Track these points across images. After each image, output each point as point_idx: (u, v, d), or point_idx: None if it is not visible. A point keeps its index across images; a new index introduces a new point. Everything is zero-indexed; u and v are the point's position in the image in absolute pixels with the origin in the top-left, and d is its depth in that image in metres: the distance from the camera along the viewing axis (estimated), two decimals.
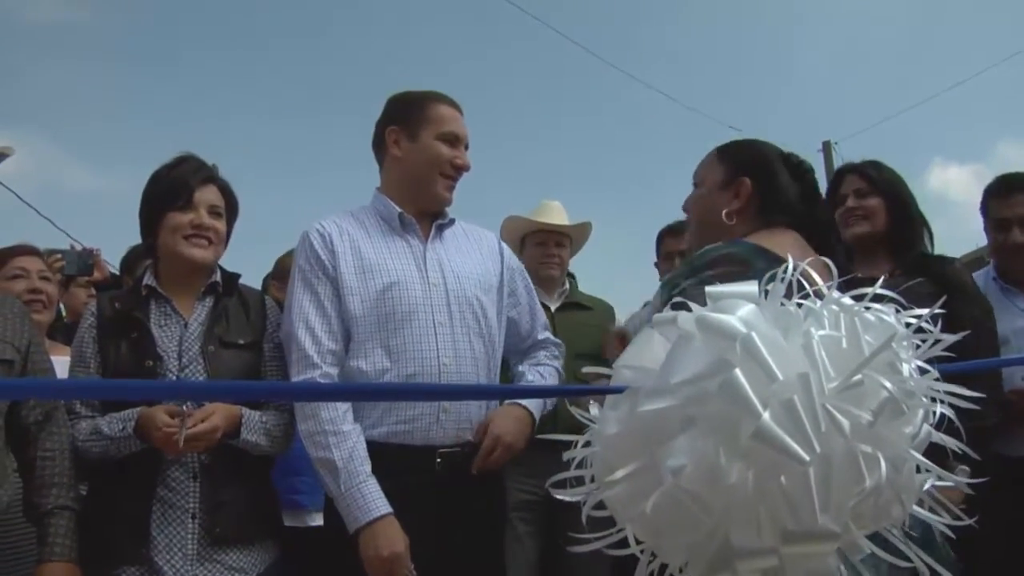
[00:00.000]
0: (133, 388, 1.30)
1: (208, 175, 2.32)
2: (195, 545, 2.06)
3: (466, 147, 2.25)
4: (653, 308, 1.64)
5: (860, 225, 2.52)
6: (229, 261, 2.46)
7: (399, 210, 2.22)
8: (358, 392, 1.74)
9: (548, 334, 2.42)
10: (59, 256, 3.02)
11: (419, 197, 2.22)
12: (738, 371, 0.99)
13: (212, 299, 2.30)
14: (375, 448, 2.04)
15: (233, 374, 2.20)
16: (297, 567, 2.49)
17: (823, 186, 2.46)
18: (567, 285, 3.69)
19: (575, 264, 3.87)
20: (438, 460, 2.05)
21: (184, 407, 2.06)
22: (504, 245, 2.44)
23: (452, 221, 2.31)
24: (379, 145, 2.29)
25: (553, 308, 3.53)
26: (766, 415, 0.97)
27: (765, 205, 1.73)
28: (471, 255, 2.29)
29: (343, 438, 2.00)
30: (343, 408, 2.02)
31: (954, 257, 2.57)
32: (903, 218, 2.52)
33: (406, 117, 2.24)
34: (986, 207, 2.82)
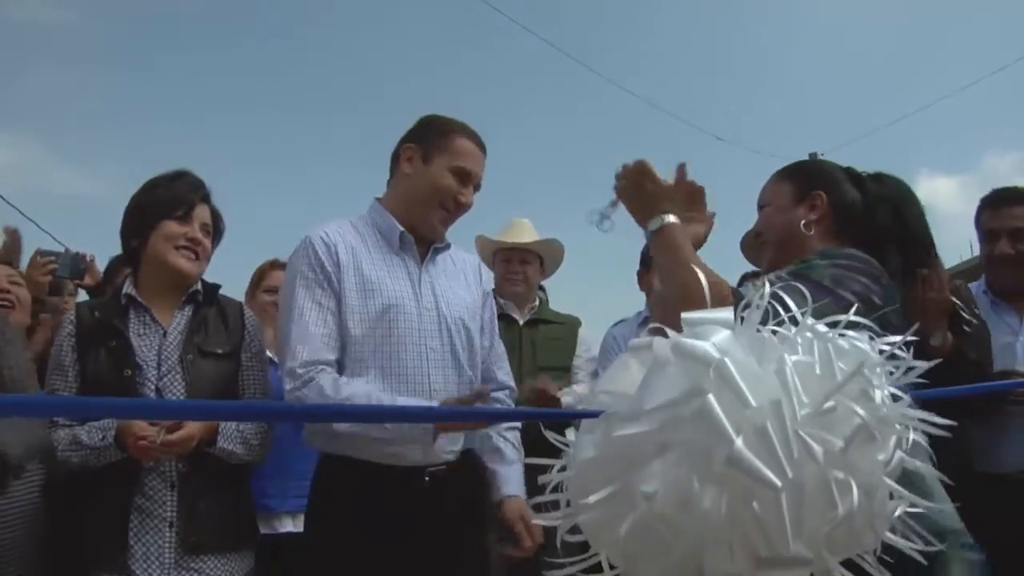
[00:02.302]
0: (110, 407, 1.27)
1: (205, 194, 2.37)
2: (172, 553, 2.06)
3: (477, 187, 2.23)
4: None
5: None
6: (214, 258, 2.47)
7: (401, 229, 2.20)
8: (331, 413, 1.73)
9: (507, 376, 2.38)
10: (52, 259, 3.02)
11: (415, 220, 2.21)
12: (711, 397, 0.99)
13: (191, 308, 2.31)
14: (365, 466, 2.03)
15: (211, 383, 2.21)
16: (273, 574, 2.48)
17: None
18: (537, 301, 3.80)
19: (552, 279, 3.95)
20: (426, 479, 2.06)
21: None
22: (484, 269, 2.45)
23: (448, 246, 2.31)
24: (394, 158, 2.28)
25: (521, 322, 3.66)
26: (739, 441, 0.97)
27: (839, 217, 1.80)
28: (460, 280, 2.29)
29: (352, 392, 1.96)
30: (331, 380, 1.98)
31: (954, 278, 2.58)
32: (903, 237, 2.49)
33: (426, 139, 2.22)
34: (979, 218, 2.83)
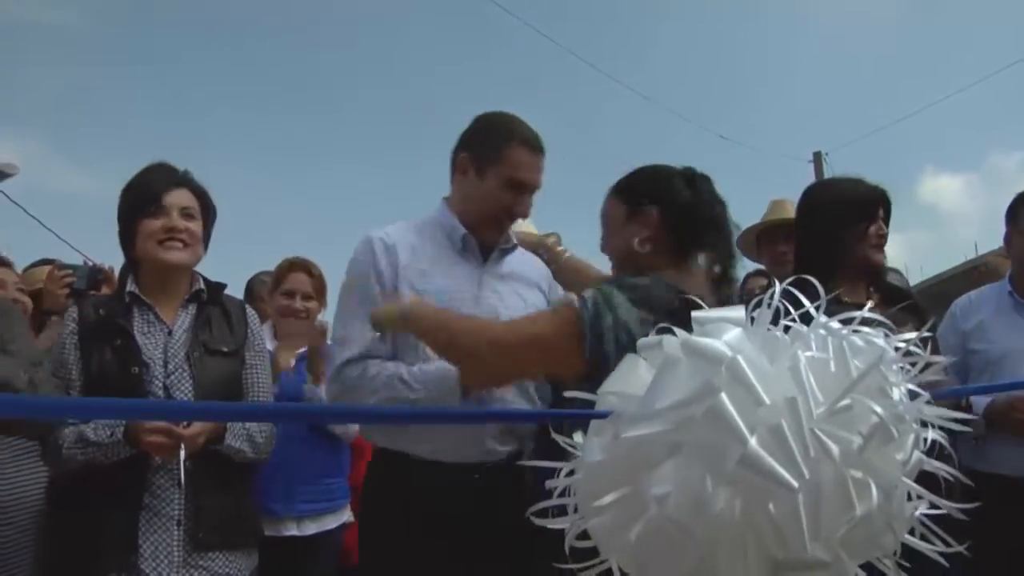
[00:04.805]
0: (119, 408, 1.24)
1: (176, 179, 2.30)
2: (181, 552, 2.04)
3: (535, 189, 2.17)
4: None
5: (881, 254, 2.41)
6: (213, 259, 2.46)
7: (463, 231, 2.18)
8: (348, 413, 1.70)
9: None
10: (70, 272, 3.03)
11: (475, 227, 2.18)
12: (724, 395, 0.96)
13: (195, 307, 2.30)
14: (414, 462, 2.00)
15: (218, 381, 2.19)
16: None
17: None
18: None
19: None
20: (476, 476, 2.00)
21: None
22: (548, 272, 2.37)
23: (515, 247, 2.27)
24: (452, 164, 2.23)
25: None
26: (753, 441, 0.94)
27: (672, 227, 1.79)
28: (528, 283, 2.25)
29: (385, 366, 1.96)
30: (360, 370, 1.97)
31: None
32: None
33: (480, 150, 2.16)
34: (1015, 214, 2.74)
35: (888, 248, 2.39)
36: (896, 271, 2.80)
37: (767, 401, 0.95)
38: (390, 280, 2.08)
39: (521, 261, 2.30)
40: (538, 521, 1.18)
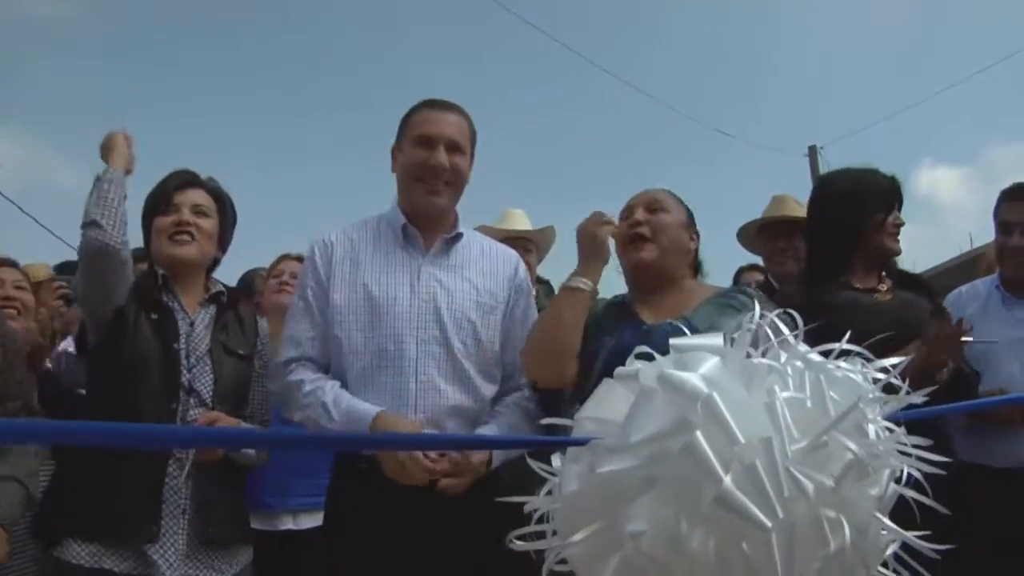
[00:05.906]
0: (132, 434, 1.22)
1: (189, 179, 2.35)
2: (185, 542, 2.08)
3: (452, 148, 2.17)
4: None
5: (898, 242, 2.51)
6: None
7: (403, 221, 2.21)
8: (327, 441, 1.72)
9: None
10: (63, 283, 3.07)
11: (412, 208, 2.21)
12: (699, 434, 0.96)
13: (215, 307, 2.35)
14: (367, 468, 2.00)
15: (233, 380, 2.27)
16: (271, 570, 2.52)
17: (805, 192, 2.74)
18: (535, 292, 3.69)
19: (552, 271, 3.88)
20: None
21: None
22: (522, 267, 2.38)
23: (459, 235, 2.26)
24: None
25: None
26: (727, 480, 0.94)
27: (696, 260, 2.19)
28: (477, 274, 2.24)
29: (320, 386, 2.05)
30: (300, 381, 2.07)
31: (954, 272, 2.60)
32: None
33: (398, 133, 2.25)
34: (997, 209, 2.76)
35: None
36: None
37: (742, 440, 0.95)
38: (326, 277, 2.17)
39: (479, 251, 2.31)
40: (518, 545, 1.18)
